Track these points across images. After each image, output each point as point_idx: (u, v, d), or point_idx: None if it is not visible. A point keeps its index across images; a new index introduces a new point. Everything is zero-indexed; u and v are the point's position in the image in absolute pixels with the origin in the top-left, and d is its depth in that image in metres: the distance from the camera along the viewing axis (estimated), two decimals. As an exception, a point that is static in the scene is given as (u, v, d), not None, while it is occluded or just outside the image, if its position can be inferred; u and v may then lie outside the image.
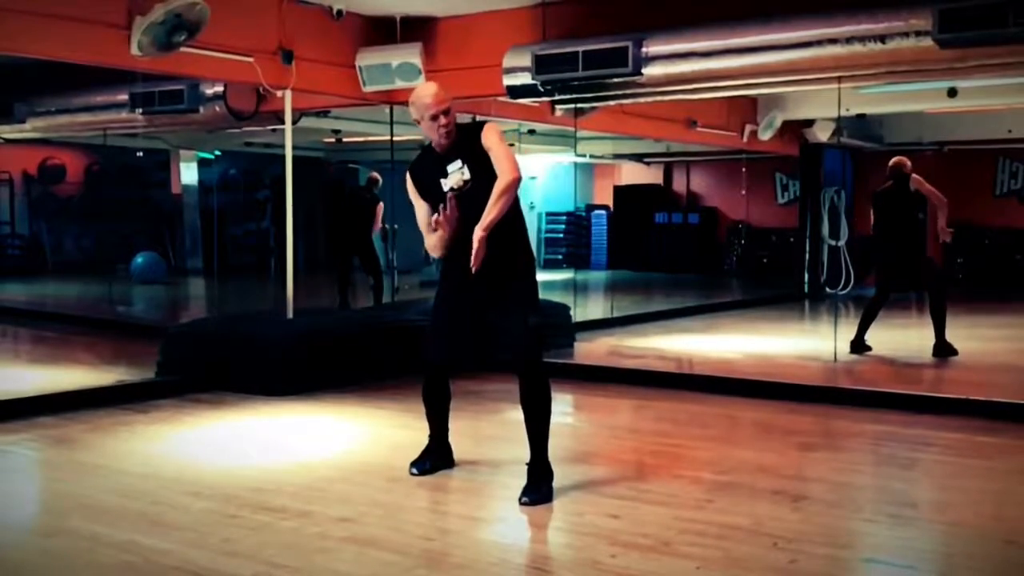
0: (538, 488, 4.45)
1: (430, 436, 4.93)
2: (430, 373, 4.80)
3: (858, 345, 8.72)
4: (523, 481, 4.49)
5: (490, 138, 4.38)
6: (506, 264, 4.45)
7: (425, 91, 4.50)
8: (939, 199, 8.53)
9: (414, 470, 4.84)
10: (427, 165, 4.53)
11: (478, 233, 4.24)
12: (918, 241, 8.83)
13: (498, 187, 4.30)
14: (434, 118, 4.42)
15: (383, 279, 11.11)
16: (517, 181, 4.34)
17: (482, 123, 4.49)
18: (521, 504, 4.37)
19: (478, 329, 4.65)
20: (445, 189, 4.43)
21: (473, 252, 4.25)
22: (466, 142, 4.44)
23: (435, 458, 4.91)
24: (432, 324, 4.74)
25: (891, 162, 8.81)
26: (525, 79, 7.66)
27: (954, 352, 8.47)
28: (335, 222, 10.98)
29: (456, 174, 4.43)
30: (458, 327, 4.64)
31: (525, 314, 4.49)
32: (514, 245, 4.50)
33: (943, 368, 8.29)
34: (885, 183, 8.75)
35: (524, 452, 4.54)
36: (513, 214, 4.43)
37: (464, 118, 4.64)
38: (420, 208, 4.57)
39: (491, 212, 4.28)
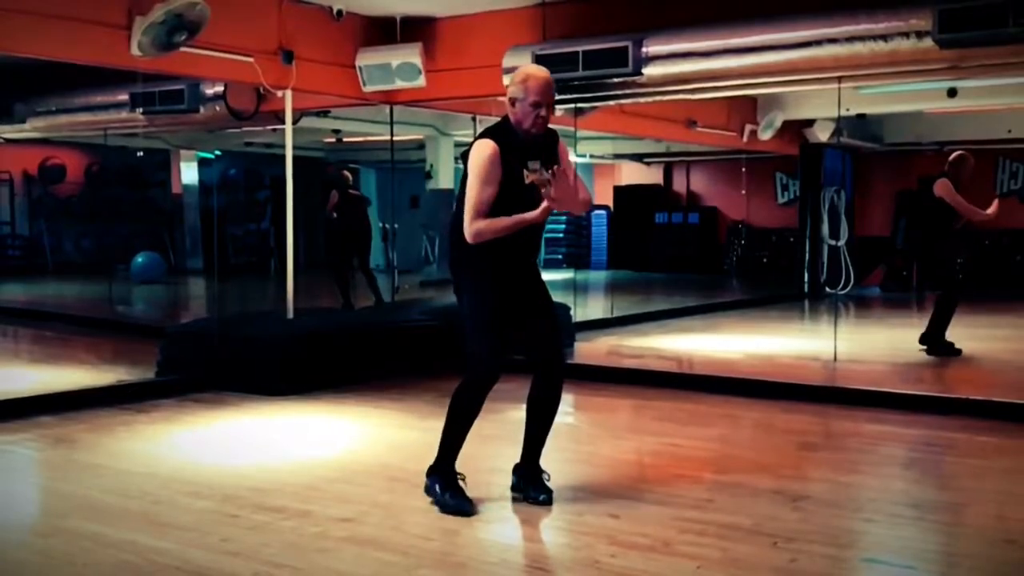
0: (546, 487, 4.44)
1: (454, 458, 4.38)
2: (488, 386, 4.33)
3: (944, 345, 8.57)
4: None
5: (567, 155, 4.41)
6: (537, 269, 4.49)
7: (540, 73, 4.26)
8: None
9: (467, 507, 4.29)
10: (512, 146, 4.21)
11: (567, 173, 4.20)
12: None
13: (583, 196, 4.28)
14: (536, 105, 4.19)
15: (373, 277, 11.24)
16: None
17: (557, 134, 4.41)
18: (541, 503, 4.37)
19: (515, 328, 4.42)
20: (527, 181, 4.17)
21: (560, 182, 4.12)
22: (545, 146, 4.31)
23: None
24: (492, 330, 4.27)
25: (963, 157, 8.58)
26: (525, 79, 7.65)
27: (954, 352, 8.47)
28: (338, 224, 10.99)
29: (536, 173, 4.19)
30: (507, 332, 4.37)
31: (558, 319, 4.53)
32: None
33: (943, 368, 8.29)
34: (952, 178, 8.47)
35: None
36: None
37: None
38: (489, 188, 4.14)
39: (577, 182, 4.23)
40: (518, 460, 4.54)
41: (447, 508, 4.27)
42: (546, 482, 4.47)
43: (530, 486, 4.44)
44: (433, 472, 4.39)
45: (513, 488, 4.52)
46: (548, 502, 4.37)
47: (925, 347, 8.53)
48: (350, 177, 11.34)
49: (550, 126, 4.37)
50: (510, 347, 4.38)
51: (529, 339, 4.44)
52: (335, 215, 10.91)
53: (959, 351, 8.51)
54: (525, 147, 4.24)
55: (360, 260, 11.21)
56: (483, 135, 4.26)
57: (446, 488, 4.32)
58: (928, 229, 8.54)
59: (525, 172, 4.18)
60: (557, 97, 8.55)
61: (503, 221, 4.11)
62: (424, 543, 3.94)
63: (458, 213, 4.26)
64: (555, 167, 4.18)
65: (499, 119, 4.37)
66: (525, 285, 4.39)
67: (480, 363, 4.31)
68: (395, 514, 4.26)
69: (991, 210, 8.42)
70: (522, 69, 4.33)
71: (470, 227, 4.12)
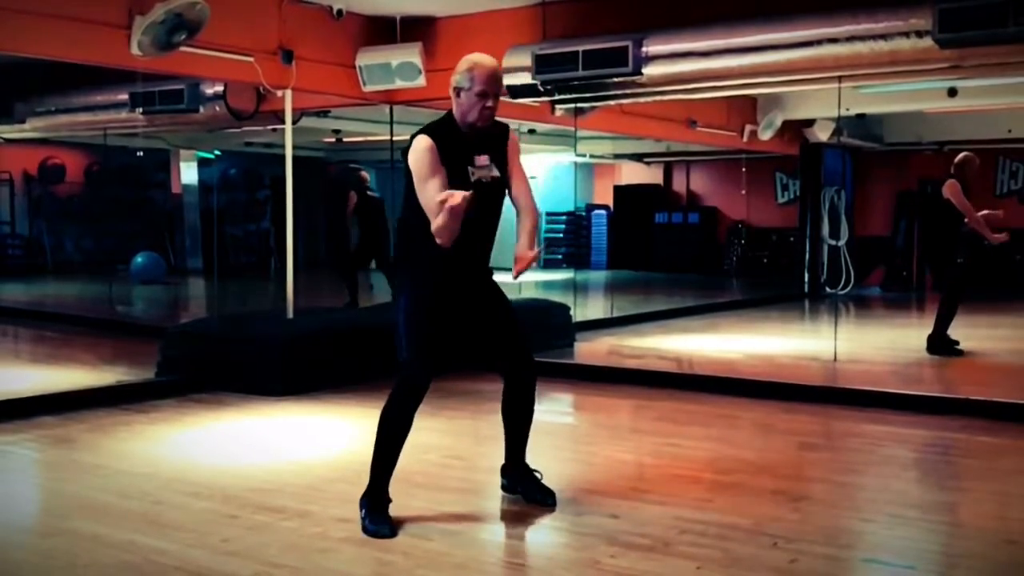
0: (546, 487, 4.36)
1: (385, 481, 4.11)
2: (417, 396, 4.10)
3: (946, 344, 8.63)
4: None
5: (518, 154, 4.17)
6: (489, 272, 4.26)
7: (487, 62, 3.97)
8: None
9: (385, 531, 3.99)
10: (454, 142, 3.95)
11: (530, 254, 3.99)
12: None
13: (532, 221, 4.13)
14: (482, 95, 3.92)
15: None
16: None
17: (508, 128, 4.15)
18: (548, 505, 4.29)
19: (465, 334, 4.22)
20: (472, 179, 3.96)
21: (524, 264, 3.97)
22: (493, 140, 4.09)
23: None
24: (424, 336, 4.05)
25: (968, 158, 8.60)
26: (525, 79, 7.66)
27: (956, 352, 8.50)
28: (357, 225, 11.00)
29: (485, 169, 4.01)
30: (450, 338, 4.14)
31: (515, 314, 4.30)
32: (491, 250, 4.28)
33: (943, 368, 8.30)
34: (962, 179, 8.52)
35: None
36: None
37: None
38: (433, 183, 3.86)
39: (530, 244, 4.07)
40: (503, 461, 4.46)
41: (365, 532, 4.00)
42: (541, 480, 4.39)
43: (530, 488, 4.38)
44: (364, 497, 4.11)
45: (505, 489, 4.48)
46: (554, 503, 4.31)
47: (935, 353, 8.52)
48: (368, 178, 11.37)
49: (501, 120, 4.13)
50: (448, 358, 4.16)
51: (490, 344, 4.26)
52: (354, 216, 10.95)
53: (961, 351, 8.52)
54: (470, 142, 3.99)
55: (380, 260, 11.26)
56: (420, 131, 3.98)
57: (368, 512, 4.05)
58: (938, 230, 8.57)
59: (471, 170, 3.96)
60: (557, 97, 8.58)
61: (439, 211, 3.74)
62: (424, 543, 3.93)
63: (404, 212, 4.04)
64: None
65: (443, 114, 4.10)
66: (474, 289, 4.14)
67: (409, 371, 4.07)
68: (394, 514, 4.25)
69: (998, 237, 8.37)
70: (468, 57, 4.01)
71: (433, 229, 3.83)
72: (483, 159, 4.01)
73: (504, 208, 4.17)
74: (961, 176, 8.41)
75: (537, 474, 4.41)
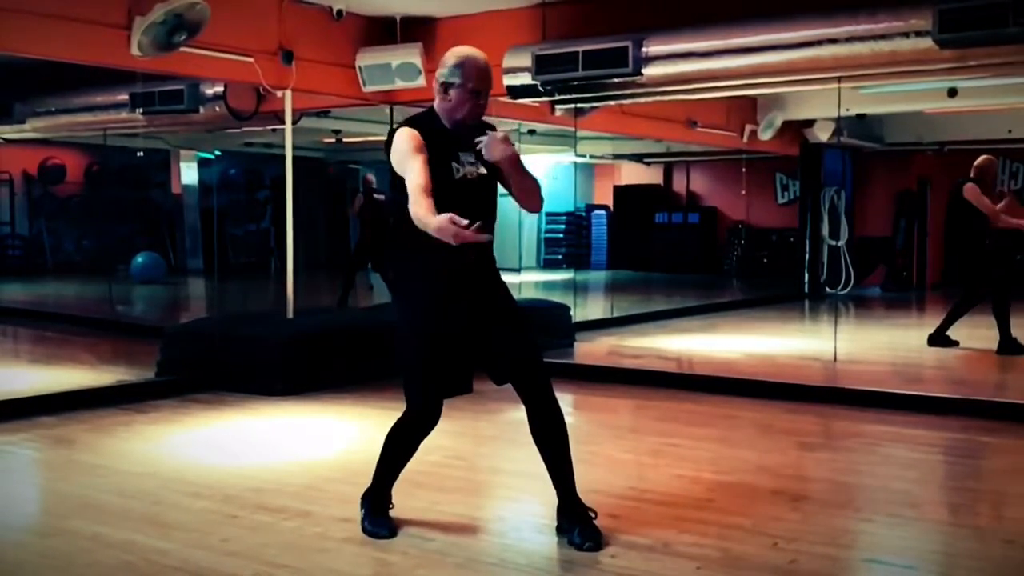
0: (594, 530, 3.86)
1: (388, 487, 4.08)
2: (425, 430, 3.94)
3: (940, 338, 8.85)
4: (521, 481, 4.47)
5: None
6: (494, 270, 3.93)
7: (477, 57, 3.76)
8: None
9: (384, 532, 3.97)
10: (438, 137, 3.72)
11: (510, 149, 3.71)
12: None
13: (535, 183, 3.86)
14: (475, 93, 3.73)
15: None
16: (540, 203, 3.93)
17: (494, 129, 3.86)
18: (585, 550, 3.77)
19: (476, 348, 3.86)
20: (457, 176, 3.73)
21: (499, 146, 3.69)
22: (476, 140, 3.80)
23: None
24: (426, 366, 3.79)
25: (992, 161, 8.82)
26: (525, 79, 7.66)
27: (951, 343, 8.64)
28: (364, 228, 11.04)
29: (472, 167, 3.77)
30: (457, 360, 3.83)
31: (527, 327, 3.90)
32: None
33: (944, 368, 8.30)
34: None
35: (522, 451, 4.50)
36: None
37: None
38: (418, 165, 3.61)
39: (523, 170, 3.79)
40: (557, 501, 3.99)
41: (364, 531, 3.99)
42: (593, 520, 3.90)
43: (575, 527, 3.85)
44: (365, 497, 4.08)
45: (558, 530, 3.97)
46: (593, 549, 3.77)
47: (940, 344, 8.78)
48: (373, 180, 11.40)
49: (486, 119, 3.90)
50: (458, 380, 3.86)
51: (494, 356, 3.86)
52: (357, 217, 11.01)
53: (956, 342, 8.74)
54: (455, 139, 3.77)
55: (375, 263, 11.28)
56: (402, 123, 3.81)
57: (368, 512, 4.03)
58: (965, 234, 8.75)
59: (455, 166, 3.73)
60: (557, 97, 8.56)
61: (428, 207, 3.48)
62: (424, 543, 3.93)
63: (395, 218, 3.81)
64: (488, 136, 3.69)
65: (423, 110, 3.92)
66: (475, 290, 3.80)
67: (414, 406, 3.87)
68: (394, 514, 4.25)
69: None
70: (454, 51, 3.81)
71: (412, 208, 3.55)
72: (469, 157, 3.78)
73: (502, 209, 4.10)
74: (982, 179, 8.56)
75: (592, 514, 3.92)
